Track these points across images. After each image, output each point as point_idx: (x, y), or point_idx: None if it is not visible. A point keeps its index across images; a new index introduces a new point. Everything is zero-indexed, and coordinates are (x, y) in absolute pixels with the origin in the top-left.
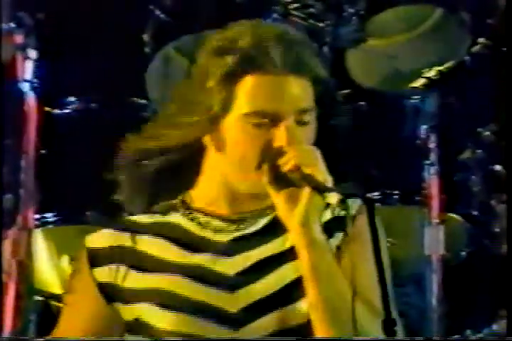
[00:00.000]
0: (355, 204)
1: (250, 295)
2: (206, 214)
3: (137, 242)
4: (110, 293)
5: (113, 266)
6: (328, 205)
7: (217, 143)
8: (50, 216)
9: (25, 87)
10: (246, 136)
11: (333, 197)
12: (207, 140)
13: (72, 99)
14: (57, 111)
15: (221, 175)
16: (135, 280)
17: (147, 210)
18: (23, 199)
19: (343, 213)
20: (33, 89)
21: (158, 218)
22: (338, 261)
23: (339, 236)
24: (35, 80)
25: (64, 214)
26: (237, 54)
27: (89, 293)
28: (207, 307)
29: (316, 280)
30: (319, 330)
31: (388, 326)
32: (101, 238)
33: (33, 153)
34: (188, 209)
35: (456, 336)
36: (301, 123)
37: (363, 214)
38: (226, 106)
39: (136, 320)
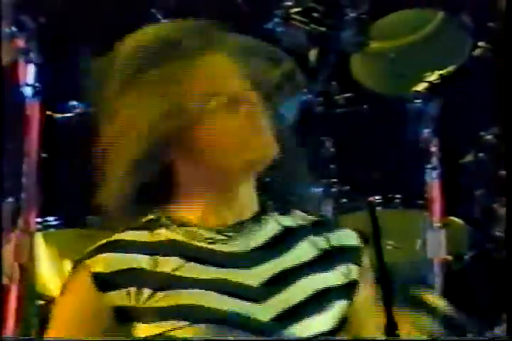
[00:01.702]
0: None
1: (277, 305)
2: (198, 227)
3: (151, 263)
4: (128, 315)
5: (132, 289)
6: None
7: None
8: (51, 219)
9: (27, 90)
10: (218, 121)
11: None
12: (174, 153)
13: (74, 103)
14: (59, 115)
15: (198, 185)
16: (159, 300)
17: (129, 226)
18: (24, 203)
19: (350, 243)
20: (35, 93)
21: (152, 236)
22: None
23: (354, 268)
24: (37, 84)
25: (66, 218)
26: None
27: (101, 316)
28: (238, 317)
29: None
30: None
31: (390, 329)
32: (107, 262)
33: (35, 157)
34: (180, 225)
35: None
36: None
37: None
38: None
39: (160, 334)
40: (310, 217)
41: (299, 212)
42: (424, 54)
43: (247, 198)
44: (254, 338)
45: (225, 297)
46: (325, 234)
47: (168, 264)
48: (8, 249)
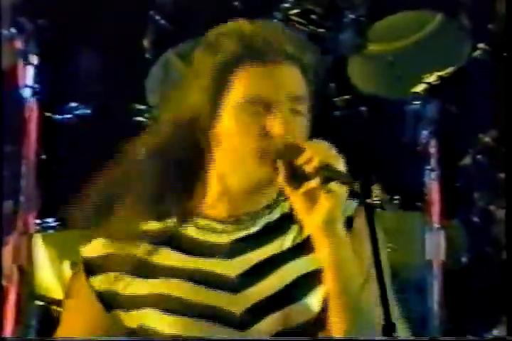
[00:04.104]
0: (352, 205)
1: (253, 297)
2: (204, 218)
3: (137, 249)
4: (109, 301)
5: (111, 274)
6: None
7: (213, 141)
8: (51, 221)
9: (26, 92)
10: (241, 126)
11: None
12: (203, 141)
13: (73, 104)
14: (58, 116)
15: (218, 175)
16: (136, 286)
17: (146, 216)
18: (23, 205)
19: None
20: (34, 94)
21: (154, 225)
22: None
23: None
24: (36, 86)
25: (65, 220)
26: (226, 49)
27: (87, 301)
28: (211, 310)
29: (338, 274)
30: (335, 317)
31: (388, 330)
32: (96, 247)
33: (34, 159)
34: (185, 214)
35: None
36: (295, 111)
37: (361, 216)
38: (217, 102)
39: (141, 326)
40: None
41: None
42: (423, 56)
43: (266, 186)
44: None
45: (200, 287)
46: None
47: (151, 251)
48: (8, 251)
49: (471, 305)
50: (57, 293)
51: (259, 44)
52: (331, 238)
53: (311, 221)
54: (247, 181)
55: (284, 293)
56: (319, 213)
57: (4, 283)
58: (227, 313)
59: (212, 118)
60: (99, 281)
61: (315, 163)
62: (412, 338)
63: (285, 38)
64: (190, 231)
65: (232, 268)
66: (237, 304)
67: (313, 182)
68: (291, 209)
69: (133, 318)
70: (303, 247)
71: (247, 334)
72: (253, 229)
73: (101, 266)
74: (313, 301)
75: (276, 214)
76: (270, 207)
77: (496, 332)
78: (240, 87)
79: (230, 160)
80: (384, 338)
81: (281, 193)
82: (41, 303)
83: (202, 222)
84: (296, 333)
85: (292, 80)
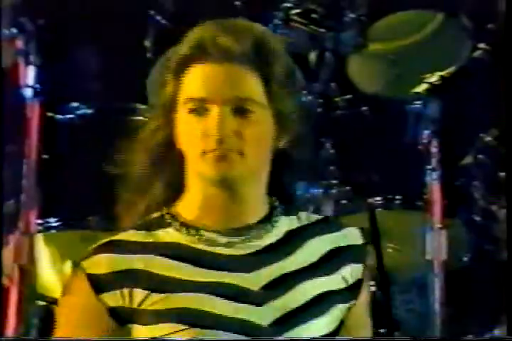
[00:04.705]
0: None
1: (277, 309)
2: (202, 229)
3: (148, 265)
4: (123, 316)
5: (125, 291)
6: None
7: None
8: (52, 221)
9: (28, 92)
10: (185, 125)
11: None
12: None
13: (74, 104)
14: (59, 116)
15: (199, 180)
16: (155, 302)
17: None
18: (25, 204)
19: (355, 243)
20: (35, 94)
21: (153, 236)
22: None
23: (359, 267)
24: (37, 86)
25: (66, 219)
26: (180, 50)
27: (98, 317)
28: (238, 322)
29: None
30: None
31: (390, 329)
32: (103, 263)
33: (35, 158)
34: (181, 224)
35: None
36: (239, 112)
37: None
38: (174, 99)
39: (155, 337)
40: (314, 217)
41: (302, 213)
42: (424, 55)
43: (254, 200)
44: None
45: (225, 300)
46: (330, 234)
47: (165, 266)
48: (9, 251)
49: (472, 305)
50: (59, 293)
51: (208, 44)
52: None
53: None
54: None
55: (304, 308)
56: None
57: (6, 282)
58: (254, 324)
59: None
60: (111, 298)
61: None
62: (412, 338)
63: (244, 39)
64: (194, 243)
65: (253, 281)
66: (262, 316)
67: None
68: (298, 227)
69: (151, 331)
70: (329, 261)
71: None
72: (267, 242)
73: (112, 283)
74: (332, 319)
75: (281, 229)
76: (269, 221)
77: (497, 332)
78: (185, 85)
79: (187, 158)
80: (383, 338)
81: (275, 207)
82: (43, 303)
83: (204, 233)
84: None
85: (239, 81)
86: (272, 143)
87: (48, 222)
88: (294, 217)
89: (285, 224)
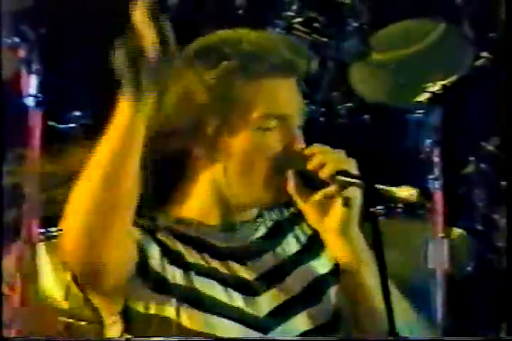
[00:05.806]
0: None
1: (274, 299)
2: (199, 227)
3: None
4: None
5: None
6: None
7: (212, 154)
8: (54, 230)
9: (30, 101)
10: (254, 143)
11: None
12: (198, 152)
13: (77, 113)
14: (61, 125)
15: (214, 187)
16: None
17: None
18: (26, 213)
19: None
20: (37, 103)
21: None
22: None
23: None
24: (39, 95)
25: None
26: (232, 60)
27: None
28: (236, 309)
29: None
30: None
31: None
32: None
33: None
34: (179, 221)
35: None
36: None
37: None
38: (224, 117)
39: (156, 315)
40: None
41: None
42: (426, 64)
43: (265, 205)
44: (258, 337)
45: (229, 289)
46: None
47: (180, 247)
48: (11, 260)
49: (473, 314)
50: (59, 302)
51: (262, 58)
52: (349, 242)
53: (329, 227)
54: (249, 198)
55: (300, 296)
56: (336, 219)
57: (7, 291)
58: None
59: (217, 133)
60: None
61: (328, 169)
62: (412, 338)
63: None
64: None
65: (248, 272)
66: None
67: (331, 189)
68: (286, 217)
69: (160, 307)
70: (311, 250)
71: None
72: (258, 234)
73: None
74: (328, 305)
75: (269, 223)
76: (258, 216)
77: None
78: (250, 103)
79: (239, 174)
80: (387, 338)
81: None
82: None
83: (201, 229)
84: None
85: (297, 94)
86: None
87: (50, 232)
88: (280, 210)
89: (273, 217)
